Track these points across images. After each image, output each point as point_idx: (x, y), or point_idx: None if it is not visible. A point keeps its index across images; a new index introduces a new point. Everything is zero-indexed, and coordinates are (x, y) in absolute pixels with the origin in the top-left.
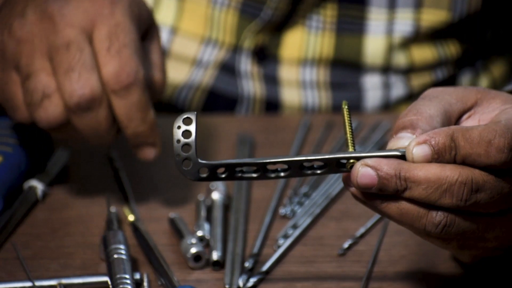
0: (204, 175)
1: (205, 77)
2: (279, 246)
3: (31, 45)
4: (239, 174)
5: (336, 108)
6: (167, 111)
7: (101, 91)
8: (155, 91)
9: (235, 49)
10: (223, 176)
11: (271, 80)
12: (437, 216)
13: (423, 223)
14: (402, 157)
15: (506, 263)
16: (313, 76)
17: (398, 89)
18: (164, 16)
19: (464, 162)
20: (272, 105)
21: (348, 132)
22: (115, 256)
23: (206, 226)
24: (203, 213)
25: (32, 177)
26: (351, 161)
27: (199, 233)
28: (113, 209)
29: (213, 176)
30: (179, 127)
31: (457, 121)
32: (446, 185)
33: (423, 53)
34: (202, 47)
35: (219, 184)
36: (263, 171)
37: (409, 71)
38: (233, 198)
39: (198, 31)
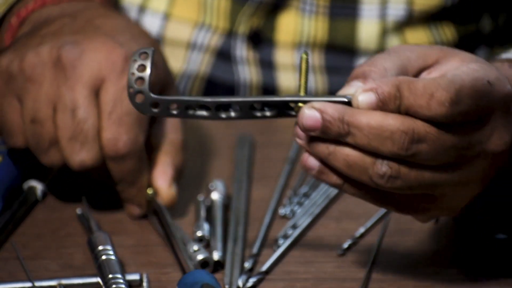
0: (156, 110)
1: (202, 65)
2: (279, 246)
3: (39, 88)
4: (191, 112)
5: (332, 93)
6: None
7: (102, 160)
8: (174, 151)
9: (230, 35)
10: (175, 112)
11: (267, 65)
12: (383, 166)
13: (370, 174)
14: (349, 103)
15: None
16: (309, 60)
17: None
18: (157, 3)
19: (408, 113)
20: (269, 91)
21: (303, 78)
22: (104, 257)
23: (206, 226)
24: (202, 213)
25: (32, 177)
26: (300, 104)
27: (199, 233)
28: (79, 211)
29: (164, 111)
30: (134, 61)
31: (416, 77)
32: (388, 132)
33: (417, 38)
34: (196, 31)
35: (219, 185)
36: (215, 110)
37: None
38: (233, 198)
39: (192, 17)
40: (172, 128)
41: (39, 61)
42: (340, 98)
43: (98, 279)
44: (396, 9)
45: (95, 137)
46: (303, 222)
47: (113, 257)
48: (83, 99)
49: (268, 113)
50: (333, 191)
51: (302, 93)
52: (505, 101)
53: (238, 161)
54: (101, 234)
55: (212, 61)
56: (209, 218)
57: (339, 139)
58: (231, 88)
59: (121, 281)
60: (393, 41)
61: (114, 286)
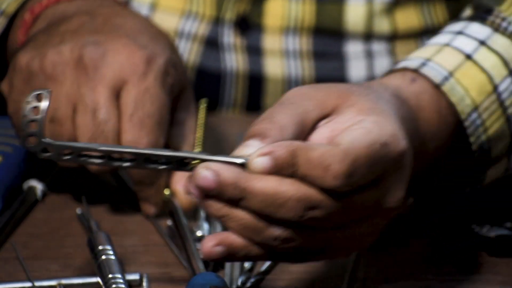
0: (48, 154)
1: (191, 54)
2: None
3: (60, 87)
4: (83, 158)
5: (320, 80)
6: None
7: None
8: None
9: (217, 22)
10: (67, 158)
11: (255, 51)
12: (276, 230)
13: (263, 237)
14: (245, 165)
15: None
16: (296, 45)
17: (382, 58)
18: None
19: (303, 180)
20: (255, 79)
21: (200, 131)
22: (104, 257)
23: (206, 226)
24: (202, 213)
25: (32, 177)
26: (195, 162)
27: (199, 233)
28: (79, 211)
29: (57, 156)
30: (28, 103)
31: (314, 127)
32: (282, 199)
33: (408, 18)
34: (183, 20)
35: None
36: (108, 158)
37: (393, 38)
38: None
39: (178, 6)
40: (190, 130)
41: (60, 60)
42: (237, 159)
43: (98, 279)
44: None
45: (115, 138)
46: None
47: (113, 257)
48: (104, 100)
49: (161, 166)
50: None
51: (197, 148)
52: (399, 159)
53: None
54: (101, 234)
55: (201, 50)
56: (209, 218)
57: (233, 202)
58: (218, 77)
59: (121, 281)
60: (381, 22)
61: (114, 286)
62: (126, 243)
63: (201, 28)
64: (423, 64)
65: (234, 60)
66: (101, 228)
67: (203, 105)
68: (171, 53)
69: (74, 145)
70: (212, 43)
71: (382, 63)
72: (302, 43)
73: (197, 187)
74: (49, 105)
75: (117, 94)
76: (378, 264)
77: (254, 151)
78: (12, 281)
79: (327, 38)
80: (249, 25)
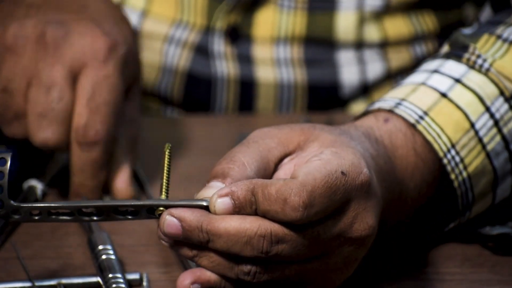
0: (17, 216)
1: (181, 60)
2: None
3: (18, 59)
4: (54, 216)
5: (312, 85)
6: (153, 99)
7: (66, 142)
8: (131, 147)
9: (207, 31)
10: (37, 218)
11: (245, 60)
12: (246, 266)
13: (235, 272)
14: (208, 207)
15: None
16: (287, 54)
17: (374, 63)
18: (135, 0)
19: (265, 216)
20: (247, 85)
21: (164, 177)
22: (104, 257)
23: None
24: None
25: (32, 177)
26: (160, 208)
27: None
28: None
29: (27, 218)
30: None
31: (278, 164)
32: (246, 238)
33: (397, 26)
34: (173, 28)
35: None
36: (77, 213)
37: (384, 45)
38: None
39: (169, 14)
40: (130, 121)
41: (22, 33)
42: (199, 202)
43: (98, 279)
44: None
45: (64, 119)
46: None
47: (113, 257)
48: (60, 78)
49: (130, 216)
50: None
51: (163, 195)
52: (361, 187)
53: None
54: (101, 234)
55: (191, 56)
56: None
57: (201, 244)
58: (209, 83)
59: (121, 280)
60: (371, 30)
61: (114, 285)
62: (126, 243)
63: (192, 36)
64: (398, 104)
65: (225, 67)
66: (101, 228)
67: (167, 149)
68: (132, 43)
69: (42, 206)
70: (202, 50)
71: (374, 68)
72: (293, 52)
73: (165, 234)
74: (10, 168)
75: (74, 77)
76: (378, 264)
77: (212, 194)
78: (12, 280)
79: (318, 47)
80: (239, 35)
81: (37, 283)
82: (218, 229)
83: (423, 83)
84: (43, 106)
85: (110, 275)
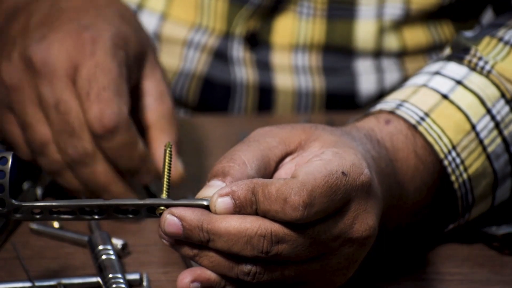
0: (19, 215)
1: (199, 64)
2: None
3: (22, 93)
4: (55, 215)
5: (330, 93)
6: None
7: (93, 148)
8: (167, 125)
9: (227, 36)
10: (38, 216)
11: (264, 66)
12: (246, 266)
13: (236, 272)
14: (208, 207)
15: None
16: (305, 62)
17: (392, 73)
18: (155, 2)
19: (265, 216)
20: (265, 91)
21: (165, 176)
22: (104, 257)
23: None
24: None
25: (32, 177)
26: (161, 208)
27: None
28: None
29: (28, 216)
30: None
31: (279, 163)
32: (246, 237)
33: (416, 36)
34: (192, 32)
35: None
36: (79, 212)
37: (402, 54)
38: None
39: (188, 18)
40: (159, 99)
41: (13, 68)
42: (200, 201)
43: (98, 279)
44: (393, 7)
45: (81, 125)
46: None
47: (113, 257)
48: (61, 92)
49: (130, 215)
50: None
51: (164, 194)
52: (362, 188)
53: None
54: (101, 234)
55: (209, 60)
56: None
57: (202, 243)
58: (227, 88)
59: (121, 281)
60: (390, 39)
61: (114, 286)
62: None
63: (211, 40)
64: (399, 106)
65: (244, 73)
66: (101, 228)
67: (168, 148)
68: (119, 25)
69: (44, 205)
70: (221, 55)
71: (392, 77)
72: (312, 59)
73: (166, 233)
74: (11, 167)
75: (73, 81)
76: (378, 264)
77: (213, 193)
78: (12, 280)
79: (337, 55)
80: (258, 41)
81: (37, 283)
82: (218, 228)
83: (425, 85)
84: (59, 123)
85: (110, 275)
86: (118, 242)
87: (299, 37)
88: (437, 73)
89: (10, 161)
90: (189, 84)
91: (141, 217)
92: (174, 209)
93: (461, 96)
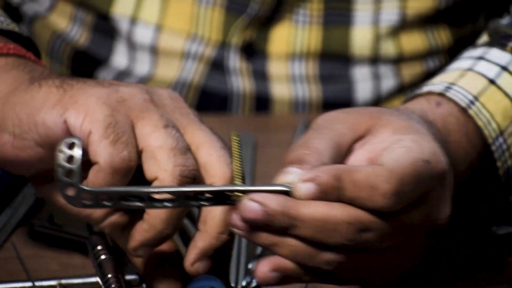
0: (88, 203)
1: (196, 74)
2: None
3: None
4: (124, 203)
5: (327, 102)
6: None
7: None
8: None
9: (223, 46)
10: (107, 204)
11: (260, 76)
12: (328, 254)
13: (316, 261)
14: (289, 193)
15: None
16: (302, 70)
17: (388, 80)
18: (148, 15)
19: (351, 203)
20: (262, 100)
21: (238, 163)
22: (103, 257)
23: None
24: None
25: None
26: (238, 194)
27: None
28: None
29: (97, 203)
30: (62, 152)
31: (349, 150)
32: (333, 224)
33: (413, 41)
34: (189, 42)
35: None
36: (149, 200)
37: (399, 60)
38: None
39: (184, 28)
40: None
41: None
42: (280, 187)
43: (98, 279)
44: (390, 13)
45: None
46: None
47: (113, 257)
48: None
49: (204, 202)
50: None
51: (238, 180)
52: (442, 176)
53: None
54: (100, 234)
55: (206, 70)
56: None
57: (282, 230)
58: (224, 98)
59: (121, 281)
60: (387, 45)
61: (114, 286)
62: None
63: (207, 51)
64: (448, 88)
65: (241, 82)
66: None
67: (234, 137)
68: None
69: (113, 190)
70: (217, 65)
71: (388, 84)
72: (309, 68)
73: (244, 219)
74: (82, 152)
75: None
76: None
77: (295, 178)
78: (12, 280)
79: (333, 63)
80: (254, 51)
81: (37, 283)
82: (303, 214)
83: (470, 69)
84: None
85: (110, 275)
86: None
87: (295, 45)
88: (481, 58)
89: (78, 146)
90: (186, 94)
91: (215, 205)
92: (254, 195)
93: (507, 82)
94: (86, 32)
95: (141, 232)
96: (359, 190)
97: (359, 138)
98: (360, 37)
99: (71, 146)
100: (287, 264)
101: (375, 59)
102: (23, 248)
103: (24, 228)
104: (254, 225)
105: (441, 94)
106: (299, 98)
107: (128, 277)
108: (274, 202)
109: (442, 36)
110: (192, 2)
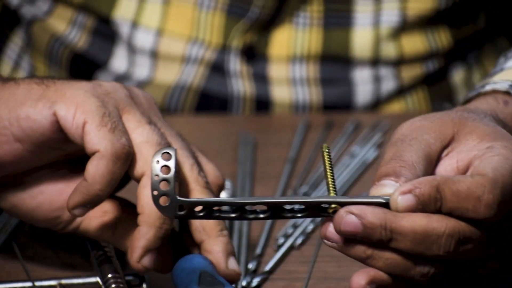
0: (182, 213)
1: (196, 77)
2: (279, 246)
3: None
4: (217, 214)
5: (327, 105)
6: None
7: None
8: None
9: (223, 49)
10: (201, 214)
11: (261, 79)
12: (425, 267)
13: (412, 273)
14: (386, 205)
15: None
16: (303, 73)
17: (388, 82)
18: (149, 20)
19: (451, 214)
20: (262, 103)
21: (328, 176)
22: (103, 257)
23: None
24: None
25: None
26: (333, 206)
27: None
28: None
29: (190, 214)
30: (157, 162)
31: (437, 159)
32: (434, 237)
33: (413, 43)
34: (189, 46)
35: (227, 183)
36: (241, 211)
37: (399, 62)
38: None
39: (185, 32)
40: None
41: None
42: (377, 199)
43: (98, 279)
44: (390, 15)
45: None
46: (303, 222)
47: (113, 257)
48: None
49: (298, 214)
50: None
51: (331, 193)
52: None
53: (241, 161)
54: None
55: (206, 73)
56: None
57: (380, 243)
58: (224, 101)
59: (121, 281)
60: (388, 48)
61: (113, 286)
62: None
63: (207, 54)
64: None
65: (241, 85)
66: None
67: (325, 149)
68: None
69: (207, 200)
70: (217, 68)
71: (388, 86)
72: (309, 70)
73: (340, 232)
74: (176, 162)
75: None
76: None
77: (392, 190)
78: (12, 281)
79: (334, 65)
80: (255, 54)
81: (37, 283)
82: (403, 227)
83: None
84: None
85: (110, 275)
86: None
87: (295, 48)
88: None
89: (174, 156)
90: (186, 97)
91: (309, 216)
92: (352, 207)
93: None
94: (85, 35)
95: (80, 190)
96: (461, 200)
97: (446, 147)
98: (361, 39)
99: (166, 156)
100: (384, 277)
101: (375, 61)
102: (23, 248)
103: (24, 228)
104: (350, 238)
105: (507, 93)
106: (300, 101)
107: (128, 277)
108: (373, 215)
109: (442, 38)
110: (193, 7)
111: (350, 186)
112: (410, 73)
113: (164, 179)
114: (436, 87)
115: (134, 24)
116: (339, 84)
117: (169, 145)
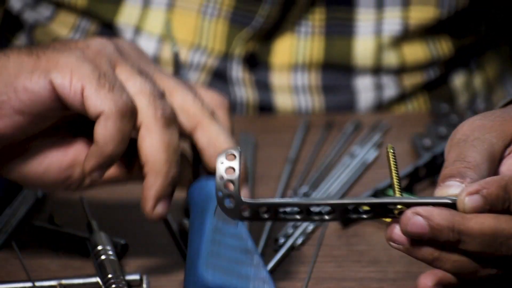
0: (247, 215)
1: (198, 83)
2: (279, 246)
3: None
4: (282, 215)
5: (329, 112)
6: None
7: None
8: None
9: (226, 56)
10: (266, 216)
11: (263, 86)
12: (493, 268)
13: (479, 275)
14: (452, 205)
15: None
16: (305, 81)
17: (390, 90)
18: (152, 27)
19: None
20: (265, 111)
21: (394, 176)
22: (103, 257)
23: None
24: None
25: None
26: (399, 207)
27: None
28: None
29: (255, 215)
30: (222, 163)
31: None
32: (503, 238)
33: (415, 52)
34: (191, 53)
35: None
36: (306, 213)
37: (401, 71)
38: None
39: (187, 39)
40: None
41: None
42: (444, 199)
43: (98, 279)
44: (392, 24)
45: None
46: (303, 222)
47: (113, 257)
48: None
49: (364, 216)
50: (333, 191)
51: (397, 193)
52: None
53: None
54: (101, 234)
55: (208, 80)
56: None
57: (447, 245)
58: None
59: (121, 281)
60: (389, 56)
61: (114, 286)
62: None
63: (210, 61)
64: None
65: (244, 93)
66: (101, 228)
67: (390, 150)
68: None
69: (272, 202)
70: (220, 75)
71: (389, 94)
72: (311, 78)
73: (407, 233)
74: (240, 163)
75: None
76: (379, 263)
77: (458, 191)
78: (12, 281)
79: (336, 73)
80: (257, 62)
81: (37, 283)
82: (472, 229)
83: None
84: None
85: (110, 275)
86: (118, 242)
87: (298, 56)
88: None
89: (238, 157)
90: None
91: (377, 218)
92: (419, 209)
93: None
94: None
95: (94, 155)
96: None
97: (507, 146)
98: (363, 48)
99: (230, 157)
100: (451, 278)
101: (377, 69)
102: (23, 248)
103: (24, 228)
104: (416, 240)
105: None
106: (302, 109)
107: (128, 277)
108: (440, 216)
109: (443, 46)
110: (197, 15)
111: (350, 186)
112: (412, 80)
113: (229, 180)
114: (436, 91)
115: (137, 30)
116: (341, 92)
117: (162, 93)
